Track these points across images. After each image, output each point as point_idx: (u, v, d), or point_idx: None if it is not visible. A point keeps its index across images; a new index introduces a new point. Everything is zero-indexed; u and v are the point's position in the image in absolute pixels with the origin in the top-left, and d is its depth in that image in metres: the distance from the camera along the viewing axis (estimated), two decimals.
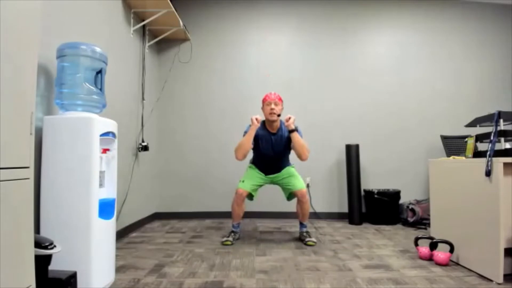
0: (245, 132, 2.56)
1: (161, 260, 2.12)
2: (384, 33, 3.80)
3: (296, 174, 2.66)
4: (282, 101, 2.58)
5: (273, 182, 2.72)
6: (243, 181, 2.61)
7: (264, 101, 2.57)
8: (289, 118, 2.48)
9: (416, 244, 2.22)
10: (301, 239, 2.63)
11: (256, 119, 2.48)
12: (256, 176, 2.68)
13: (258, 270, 1.94)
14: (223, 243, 2.52)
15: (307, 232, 2.64)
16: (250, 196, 2.67)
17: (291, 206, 2.80)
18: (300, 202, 2.60)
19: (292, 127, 2.48)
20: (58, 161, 1.51)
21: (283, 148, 2.60)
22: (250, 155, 2.71)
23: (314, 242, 2.52)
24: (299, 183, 2.59)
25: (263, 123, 2.63)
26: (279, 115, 2.52)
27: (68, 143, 1.52)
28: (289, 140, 2.56)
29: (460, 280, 1.77)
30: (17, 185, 1.00)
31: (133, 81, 3.02)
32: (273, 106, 2.49)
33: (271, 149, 2.58)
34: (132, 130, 2.99)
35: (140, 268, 1.97)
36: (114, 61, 2.57)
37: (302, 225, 2.68)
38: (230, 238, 2.56)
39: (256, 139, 2.57)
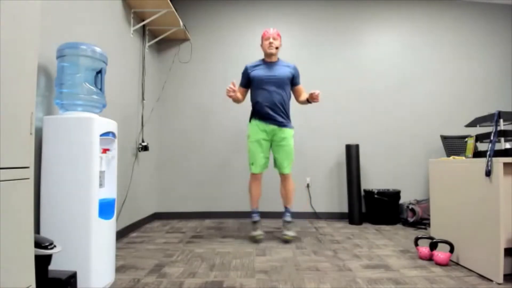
0: (241, 78, 2.72)
1: (161, 260, 2.12)
2: (385, 33, 3.80)
3: (292, 153, 2.63)
4: (280, 36, 2.67)
5: (272, 143, 2.64)
6: (252, 164, 2.62)
7: (263, 36, 2.65)
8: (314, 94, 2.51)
9: (416, 244, 2.22)
10: (281, 229, 2.60)
11: (232, 87, 2.49)
12: (260, 145, 2.59)
13: (258, 270, 1.94)
14: (255, 238, 2.50)
15: (289, 222, 2.61)
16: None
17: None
18: (283, 182, 2.65)
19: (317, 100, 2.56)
20: (58, 161, 1.51)
21: (283, 75, 2.59)
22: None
23: (291, 237, 2.49)
24: (287, 168, 2.61)
25: (262, 59, 2.71)
26: (277, 48, 2.61)
27: (68, 143, 1.52)
28: (290, 73, 2.62)
29: (460, 280, 1.77)
30: (17, 185, 1.00)
31: (133, 81, 3.02)
32: (271, 40, 2.58)
33: (270, 73, 2.59)
34: (132, 130, 2.99)
35: (140, 268, 1.97)
36: (114, 61, 2.57)
37: (286, 210, 2.66)
38: (259, 231, 2.53)
39: (252, 75, 2.62)
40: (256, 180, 2.62)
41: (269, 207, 3.60)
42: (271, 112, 2.56)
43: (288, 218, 2.63)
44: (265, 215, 3.61)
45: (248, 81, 2.67)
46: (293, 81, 2.66)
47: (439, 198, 2.28)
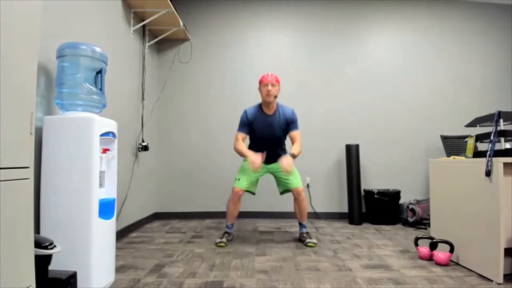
0: (241, 124, 2.57)
1: (161, 260, 2.12)
2: (385, 33, 3.80)
3: (294, 169, 2.58)
4: (279, 82, 2.56)
5: (269, 172, 2.66)
6: (238, 179, 2.57)
7: (261, 82, 2.54)
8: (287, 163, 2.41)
9: (416, 244, 2.22)
10: (301, 240, 2.60)
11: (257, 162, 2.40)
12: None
13: (258, 270, 1.94)
14: (217, 245, 2.49)
15: (307, 233, 2.61)
16: (251, 192, 2.66)
17: (291, 206, 2.79)
18: (296, 201, 2.57)
19: (289, 168, 2.39)
20: (58, 161, 1.51)
21: (279, 131, 2.55)
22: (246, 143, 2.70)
23: (314, 243, 2.50)
24: (296, 181, 2.55)
25: (260, 105, 2.61)
26: (276, 96, 2.51)
27: (68, 143, 1.52)
28: (286, 124, 2.56)
29: (460, 280, 1.77)
30: (17, 185, 1.00)
31: (133, 81, 3.02)
32: (270, 87, 2.47)
33: (268, 131, 2.54)
34: (132, 130, 2.99)
35: (140, 268, 1.97)
36: (114, 61, 2.57)
37: (301, 225, 2.64)
38: (224, 240, 2.52)
39: (251, 126, 2.56)
40: (236, 197, 2.53)
41: (269, 207, 3.61)
42: (268, 156, 2.61)
43: (305, 230, 2.62)
44: (265, 215, 3.61)
45: (249, 128, 2.59)
46: (289, 127, 2.58)
47: (439, 198, 2.28)
